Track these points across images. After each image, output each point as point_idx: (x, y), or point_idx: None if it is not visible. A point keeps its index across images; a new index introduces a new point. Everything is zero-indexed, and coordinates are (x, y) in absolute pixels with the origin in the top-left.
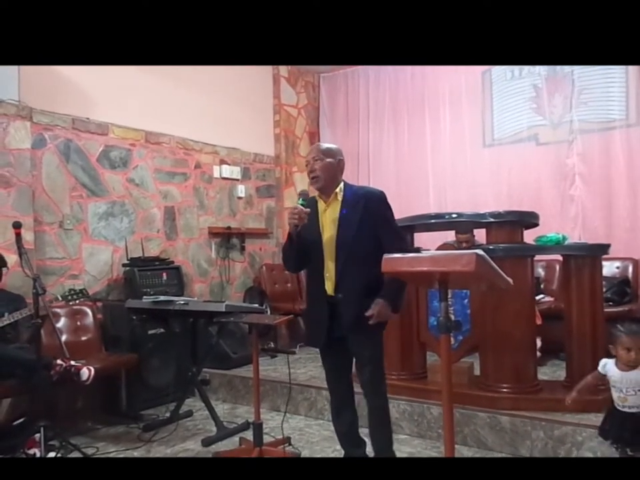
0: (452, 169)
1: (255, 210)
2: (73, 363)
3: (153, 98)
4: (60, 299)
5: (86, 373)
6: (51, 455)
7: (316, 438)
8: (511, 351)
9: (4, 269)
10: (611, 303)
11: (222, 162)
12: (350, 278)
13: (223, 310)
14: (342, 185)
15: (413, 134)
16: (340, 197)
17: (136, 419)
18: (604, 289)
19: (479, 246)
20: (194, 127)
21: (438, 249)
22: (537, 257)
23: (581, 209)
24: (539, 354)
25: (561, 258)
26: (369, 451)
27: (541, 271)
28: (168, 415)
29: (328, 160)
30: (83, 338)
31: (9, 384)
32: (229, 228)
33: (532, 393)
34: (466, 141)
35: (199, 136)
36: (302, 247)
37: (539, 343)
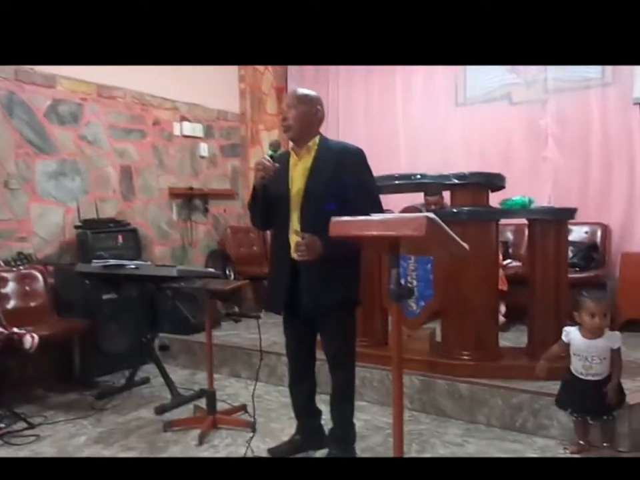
0: (423, 127)
1: (219, 170)
2: (15, 330)
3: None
4: (2, 264)
5: (29, 340)
6: None
7: (273, 405)
8: (473, 317)
9: None
10: (577, 269)
11: (183, 119)
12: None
13: (175, 275)
14: (317, 138)
15: (384, 91)
16: (313, 151)
17: (90, 386)
18: (570, 254)
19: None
20: (151, 80)
21: (402, 212)
22: (506, 221)
23: (553, 171)
24: (503, 319)
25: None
26: (325, 420)
27: (509, 235)
28: (123, 382)
29: (303, 108)
30: (33, 303)
31: None
32: (191, 189)
33: (492, 360)
34: (438, 99)
35: (157, 90)
36: (268, 202)
37: (504, 308)
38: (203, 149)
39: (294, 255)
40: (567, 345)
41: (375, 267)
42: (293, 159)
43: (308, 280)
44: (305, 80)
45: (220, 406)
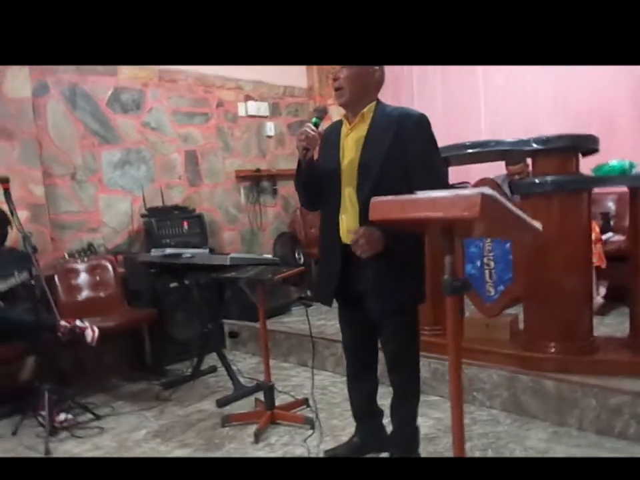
0: (508, 86)
1: (287, 149)
2: (78, 323)
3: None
4: (67, 257)
5: (89, 334)
6: (62, 416)
7: (338, 398)
8: (561, 304)
9: (8, 228)
10: None
11: (247, 98)
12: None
13: (227, 263)
14: (374, 104)
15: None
16: (368, 119)
17: (160, 375)
18: None
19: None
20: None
21: (475, 185)
22: (606, 190)
23: None
24: (601, 301)
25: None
26: (387, 422)
27: (610, 205)
28: (191, 369)
29: (357, 67)
30: (103, 294)
31: (20, 345)
32: (258, 170)
33: (584, 354)
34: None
35: (219, 70)
36: (316, 177)
37: (603, 290)
38: (270, 128)
39: (345, 239)
40: None
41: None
42: (345, 127)
43: (368, 274)
44: None
45: (283, 399)
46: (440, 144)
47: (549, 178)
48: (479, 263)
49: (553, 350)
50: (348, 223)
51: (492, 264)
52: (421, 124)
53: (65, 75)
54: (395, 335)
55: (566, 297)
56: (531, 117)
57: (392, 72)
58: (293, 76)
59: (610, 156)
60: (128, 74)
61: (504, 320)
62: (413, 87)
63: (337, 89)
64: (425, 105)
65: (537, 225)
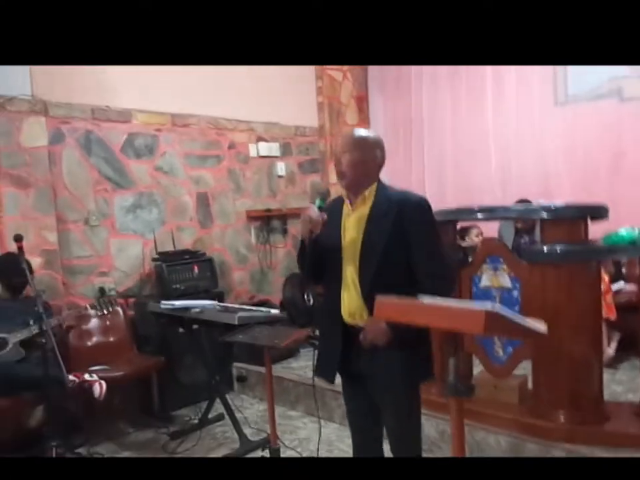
0: (517, 132)
1: (297, 188)
2: (86, 377)
3: (177, 77)
4: (89, 309)
5: (97, 389)
6: None
7: (347, 454)
8: (569, 372)
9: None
10: None
11: (259, 139)
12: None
13: (235, 322)
14: (375, 185)
15: (472, 93)
16: (370, 201)
17: (167, 421)
18: None
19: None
20: (225, 103)
21: (482, 247)
22: None
23: None
24: (612, 354)
25: None
26: None
27: None
28: (199, 416)
29: (359, 153)
30: (112, 339)
31: (29, 396)
32: (268, 210)
33: (594, 424)
34: (534, 99)
35: (231, 113)
36: (318, 255)
37: (614, 343)
38: (280, 168)
39: (347, 318)
40: None
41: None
42: (346, 208)
43: (369, 353)
44: (386, 86)
45: (289, 454)
46: (449, 188)
47: (557, 247)
48: None
49: (561, 419)
50: (350, 302)
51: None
52: (421, 209)
53: (80, 122)
54: (396, 413)
55: (575, 365)
56: (538, 159)
57: (405, 122)
58: (304, 116)
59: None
60: (141, 119)
61: (513, 383)
62: (424, 131)
63: (339, 174)
64: (435, 152)
65: (541, 328)
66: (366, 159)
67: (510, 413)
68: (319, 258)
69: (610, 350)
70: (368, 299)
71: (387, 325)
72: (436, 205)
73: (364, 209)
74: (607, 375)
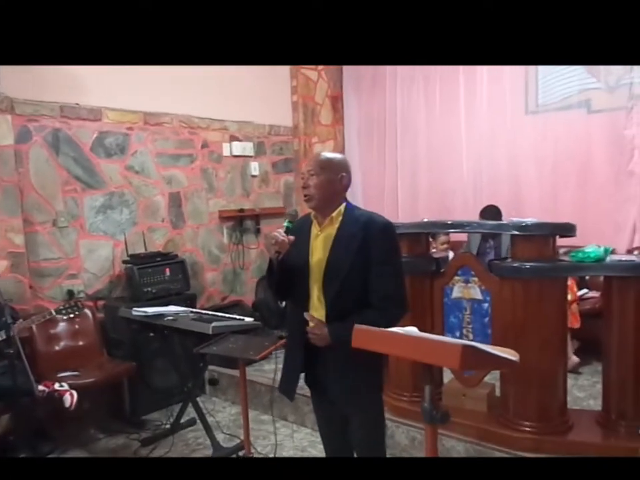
0: (489, 138)
1: (271, 188)
2: (56, 387)
3: (149, 75)
4: (54, 313)
5: (68, 399)
6: None
7: None
8: (535, 384)
9: None
10: None
11: (232, 138)
12: (339, 319)
13: (209, 332)
14: (342, 207)
15: (445, 96)
16: (337, 222)
17: (139, 426)
18: None
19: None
20: (198, 102)
21: (455, 262)
22: None
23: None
24: (577, 360)
25: None
26: None
27: None
28: (171, 421)
29: (326, 175)
30: (82, 343)
31: None
32: (241, 210)
33: (558, 434)
34: (506, 107)
35: (204, 112)
36: (285, 274)
37: (574, 348)
38: (254, 167)
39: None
40: None
41: (427, 315)
42: (314, 229)
43: (331, 369)
44: (361, 86)
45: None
46: (422, 189)
47: (527, 264)
48: (458, 334)
49: (527, 429)
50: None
51: (470, 335)
52: (385, 232)
53: (48, 120)
54: (362, 424)
55: (541, 377)
56: (509, 166)
57: (379, 124)
58: (279, 115)
59: (584, 213)
60: (112, 118)
61: (481, 392)
62: (397, 133)
63: (306, 197)
64: (408, 154)
65: (514, 357)
66: (332, 180)
67: (478, 422)
68: (286, 277)
69: (575, 357)
70: (331, 316)
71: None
72: (408, 207)
73: (331, 230)
74: (569, 380)
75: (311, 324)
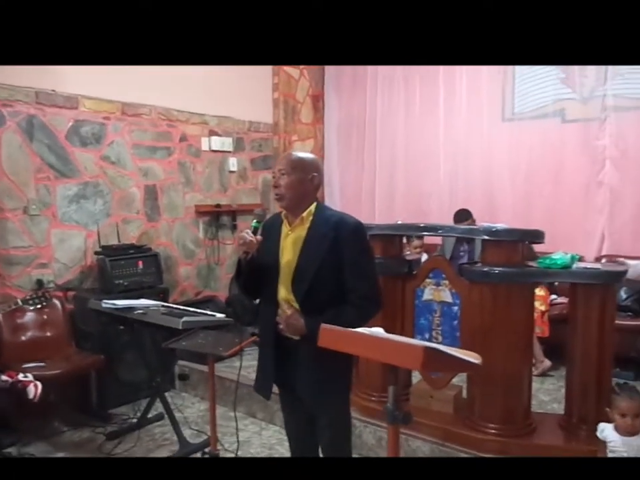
0: (466, 143)
1: (249, 184)
2: (20, 377)
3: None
4: (20, 303)
5: (32, 390)
6: None
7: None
8: (501, 387)
9: None
10: (629, 314)
11: (211, 133)
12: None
13: (179, 327)
14: (313, 207)
15: (425, 102)
16: (307, 222)
17: (105, 420)
18: (623, 296)
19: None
20: (178, 95)
21: (426, 265)
22: None
23: (609, 197)
24: (549, 363)
25: None
26: None
27: None
28: (138, 415)
29: (296, 175)
30: (50, 333)
31: None
32: (218, 205)
33: (522, 437)
34: (483, 113)
35: (184, 105)
36: (254, 273)
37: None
38: (232, 163)
39: (282, 331)
40: (602, 443)
41: (398, 318)
42: (285, 228)
43: (302, 367)
44: (342, 86)
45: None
46: (399, 190)
47: (496, 269)
48: (427, 335)
49: (492, 431)
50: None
51: (440, 338)
52: (356, 232)
53: (23, 106)
54: (330, 424)
55: (506, 381)
56: (485, 171)
57: (359, 124)
58: (259, 111)
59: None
60: (89, 106)
61: (448, 393)
62: (377, 135)
63: (277, 196)
64: (387, 155)
65: (476, 360)
66: (303, 180)
67: (444, 423)
68: (256, 277)
69: (547, 360)
70: (304, 314)
71: (304, 324)
72: (385, 208)
73: (301, 230)
74: (535, 384)
75: (287, 312)
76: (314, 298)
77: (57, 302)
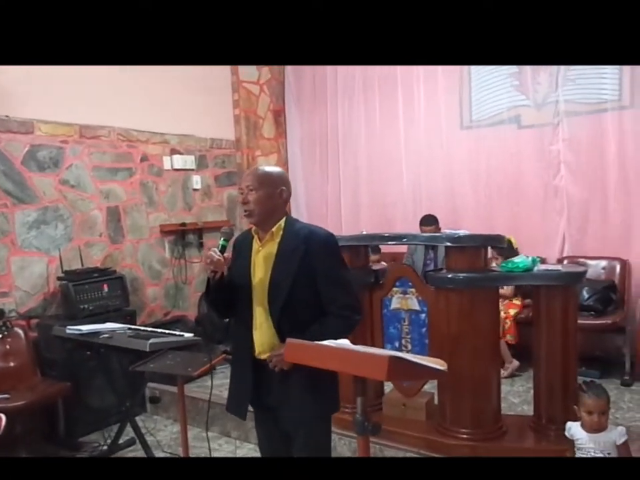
0: (427, 152)
1: (214, 201)
2: None
3: (86, 85)
4: None
5: None
6: None
7: None
8: (469, 392)
9: None
10: (592, 313)
11: (173, 151)
12: (290, 333)
13: (147, 349)
14: (283, 220)
15: (385, 113)
16: (277, 237)
17: (75, 448)
18: (586, 296)
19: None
20: (137, 114)
21: (392, 272)
22: None
23: (566, 200)
24: (517, 363)
25: None
26: None
27: None
28: (109, 442)
29: (265, 190)
30: (13, 363)
31: None
32: (183, 224)
33: (493, 440)
34: (442, 122)
35: (144, 124)
36: (224, 293)
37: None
38: (196, 181)
39: (258, 354)
40: (570, 442)
41: (367, 328)
42: (255, 244)
43: (281, 386)
44: (302, 100)
45: None
46: (364, 201)
47: (460, 275)
48: (397, 344)
49: (463, 436)
50: (262, 339)
51: (409, 346)
52: (327, 244)
53: None
54: (306, 444)
55: (475, 385)
56: (447, 179)
57: (322, 137)
58: (221, 128)
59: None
60: (45, 130)
61: (420, 401)
62: (339, 148)
63: (246, 212)
64: (350, 167)
65: (441, 367)
66: (272, 195)
67: (418, 431)
68: (227, 296)
69: (516, 361)
70: (281, 332)
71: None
72: (351, 220)
73: (272, 246)
74: (505, 387)
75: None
76: (290, 315)
77: (19, 331)
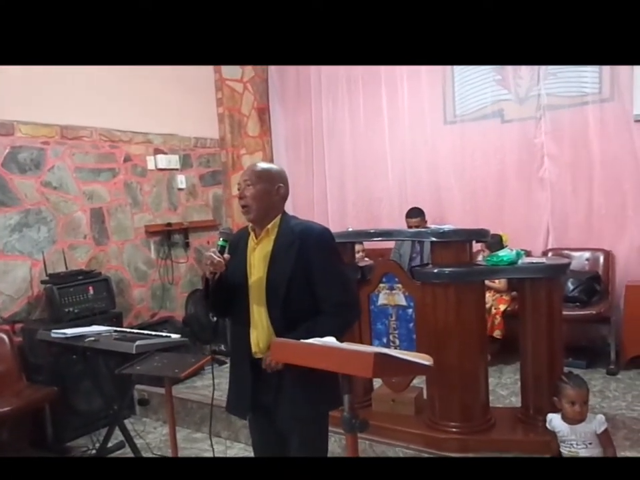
0: (412, 147)
1: (199, 200)
2: None
3: (66, 85)
4: None
5: None
6: None
7: None
8: (458, 386)
9: None
10: (577, 304)
11: (157, 151)
12: (290, 330)
13: (133, 352)
14: (279, 218)
15: (369, 110)
16: (273, 234)
17: (62, 453)
18: (570, 287)
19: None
20: (120, 114)
21: (379, 269)
22: None
23: (550, 192)
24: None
25: None
26: None
27: None
28: (97, 446)
29: (262, 186)
30: None
31: None
32: (168, 224)
33: (482, 433)
34: (426, 117)
35: (126, 124)
36: (223, 294)
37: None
38: (180, 180)
39: (256, 353)
40: (553, 433)
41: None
42: (251, 241)
43: (279, 384)
44: (286, 98)
45: None
46: (350, 198)
47: (446, 270)
48: (385, 340)
49: (453, 429)
50: (260, 338)
51: (397, 341)
52: (322, 239)
53: None
54: (302, 444)
55: (463, 379)
56: (431, 174)
57: (307, 134)
58: (205, 127)
59: (504, 216)
60: (26, 132)
61: (409, 396)
62: (324, 145)
63: (243, 207)
64: (336, 163)
65: (427, 362)
66: (269, 191)
67: (407, 426)
68: (225, 295)
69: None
70: (279, 333)
71: None
72: (338, 216)
73: (268, 243)
74: (493, 379)
75: (261, 344)
76: (288, 314)
77: (3, 336)
